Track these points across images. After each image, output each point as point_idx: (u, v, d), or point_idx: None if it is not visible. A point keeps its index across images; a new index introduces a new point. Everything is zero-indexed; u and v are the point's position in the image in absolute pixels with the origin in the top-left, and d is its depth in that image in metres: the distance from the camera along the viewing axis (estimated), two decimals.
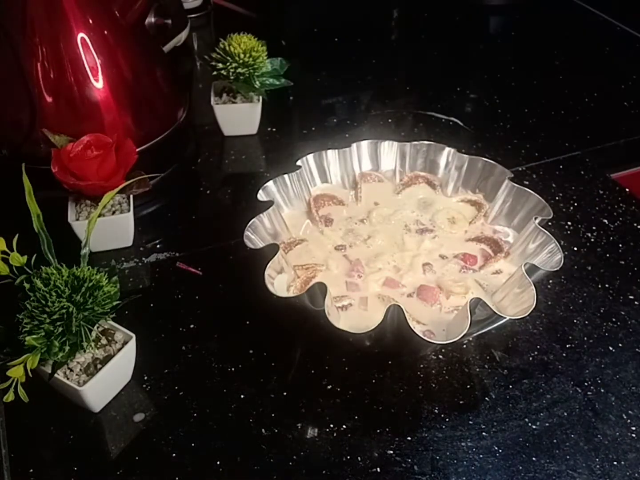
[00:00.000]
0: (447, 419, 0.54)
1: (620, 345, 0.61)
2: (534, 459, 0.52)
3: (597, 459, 0.52)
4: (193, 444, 0.52)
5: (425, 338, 0.50)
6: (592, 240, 0.72)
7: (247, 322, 0.62)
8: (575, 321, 0.63)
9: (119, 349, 0.53)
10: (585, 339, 0.61)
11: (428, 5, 1.23)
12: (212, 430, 0.53)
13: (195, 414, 0.54)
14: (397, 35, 1.18)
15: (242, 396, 0.56)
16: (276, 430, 0.53)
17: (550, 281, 0.67)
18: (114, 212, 0.68)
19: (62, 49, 0.69)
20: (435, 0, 1.24)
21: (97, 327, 0.53)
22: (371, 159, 0.71)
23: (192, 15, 1.13)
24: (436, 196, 0.70)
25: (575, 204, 0.77)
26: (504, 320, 0.51)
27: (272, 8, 1.11)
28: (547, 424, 0.54)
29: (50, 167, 0.64)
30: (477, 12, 1.22)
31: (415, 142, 0.70)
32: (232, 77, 0.81)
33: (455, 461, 0.51)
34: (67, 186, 0.64)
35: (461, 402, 0.56)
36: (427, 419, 0.54)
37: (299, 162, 0.67)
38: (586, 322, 0.63)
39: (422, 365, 0.58)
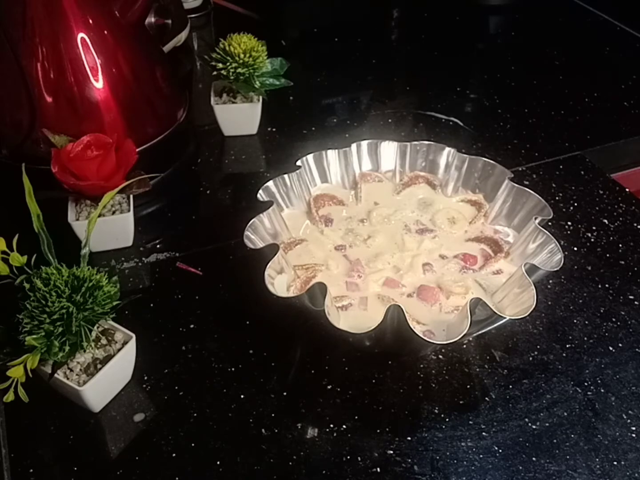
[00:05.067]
0: (447, 419, 0.54)
1: (620, 345, 0.61)
2: (534, 459, 0.52)
3: (597, 459, 0.52)
4: (193, 444, 0.52)
5: (425, 338, 0.50)
6: (592, 240, 0.72)
7: (247, 322, 0.62)
8: (575, 321, 0.63)
9: (119, 349, 0.53)
10: (585, 339, 0.61)
11: (428, 5, 1.23)
12: (212, 430, 0.53)
13: (195, 414, 0.54)
14: (397, 35, 1.18)
15: (242, 396, 0.56)
16: (276, 430, 0.53)
17: (550, 281, 0.67)
18: (114, 212, 0.68)
19: (62, 49, 0.69)
20: (435, 0, 1.24)
21: (97, 327, 0.53)
22: (371, 159, 0.71)
23: (192, 15, 1.13)
24: (436, 196, 0.70)
25: (575, 204, 0.77)
26: (504, 320, 0.51)
27: (272, 8, 1.11)
28: (547, 424, 0.54)
29: (50, 167, 0.64)
30: (477, 12, 1.22)
31: (415, 142, 0.70)
32: (232, 77, 0.81)
33: (455, 461, 0.51)
34: (67, 186, 0.64)
35: (461, 402, 0.56)
36: (427, 419, 0.54)
37: (299, 162, 0.67)
38: (586, 322, 0.63)
39: (422, 365, 0.58)
